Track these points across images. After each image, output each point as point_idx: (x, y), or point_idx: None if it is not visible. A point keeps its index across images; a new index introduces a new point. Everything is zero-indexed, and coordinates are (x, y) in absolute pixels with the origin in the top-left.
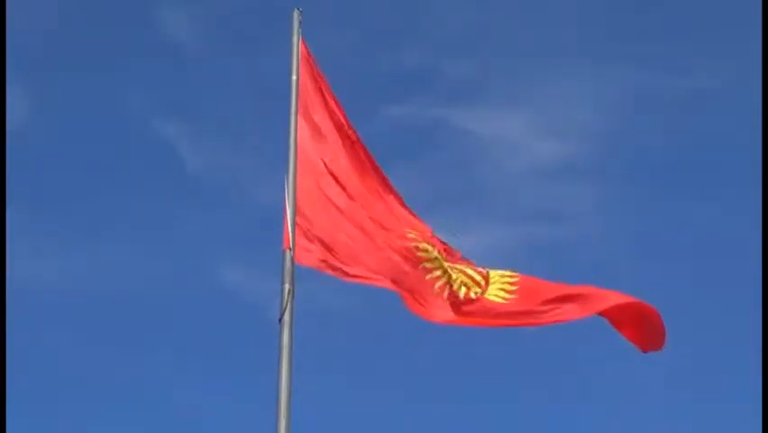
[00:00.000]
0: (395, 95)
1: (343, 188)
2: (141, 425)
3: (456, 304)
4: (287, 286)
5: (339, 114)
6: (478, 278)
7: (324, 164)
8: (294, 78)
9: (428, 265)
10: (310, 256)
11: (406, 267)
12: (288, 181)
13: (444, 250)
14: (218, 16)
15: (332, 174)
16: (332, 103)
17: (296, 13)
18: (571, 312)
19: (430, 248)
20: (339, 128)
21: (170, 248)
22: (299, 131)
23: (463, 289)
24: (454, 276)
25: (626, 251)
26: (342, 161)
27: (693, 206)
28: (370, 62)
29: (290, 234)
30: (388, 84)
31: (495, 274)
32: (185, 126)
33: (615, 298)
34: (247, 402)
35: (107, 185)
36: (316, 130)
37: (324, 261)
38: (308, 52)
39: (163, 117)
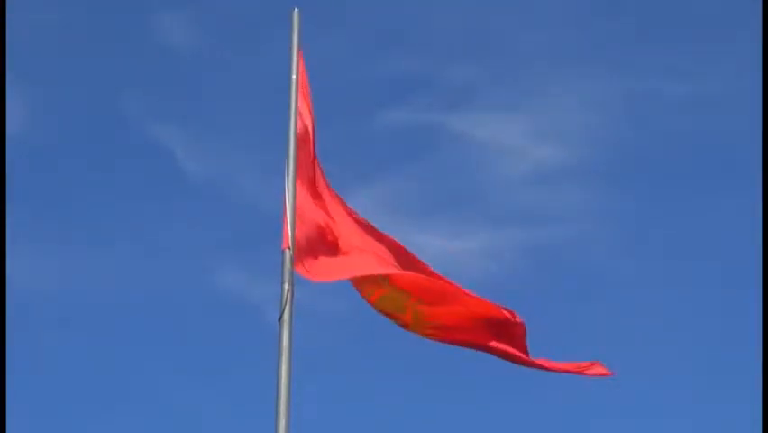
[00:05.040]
0: (393, 98)
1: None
2: (141, 425)
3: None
4: (286, 285)
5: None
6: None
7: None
8: (294, 77)
9: None
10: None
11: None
12: (287, 181)
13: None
14: (216, 18)
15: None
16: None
17: (295, 13)
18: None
19: None
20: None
21: (169, 250)
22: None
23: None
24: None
25: (625, 253)
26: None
27: (692, 209)
28: (369, 66)
29: (290, 234)
30: (386, 88)
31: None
32: (182, 129)
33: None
34: (247, 402)
35: (105, 188)
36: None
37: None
38: (305, 68)
39: (161, 120)
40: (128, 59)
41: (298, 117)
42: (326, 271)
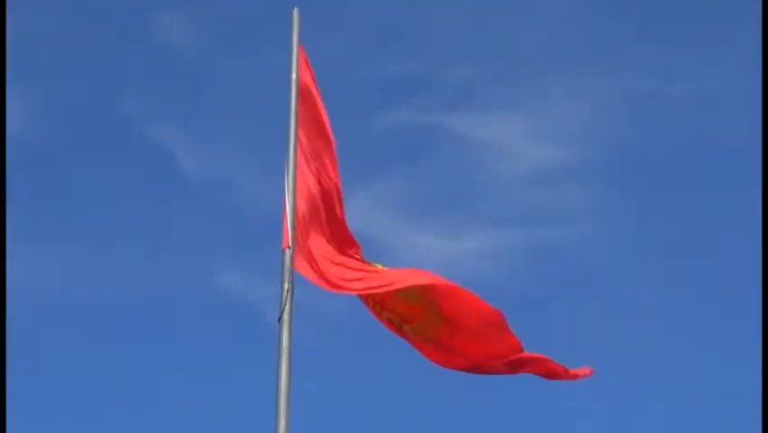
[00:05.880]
0: (393, 99)
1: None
2: (141, 425)
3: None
4: (286, 285)
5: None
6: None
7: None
8: (293, 76)
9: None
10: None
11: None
12: (287, 181)
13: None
14: (216, 18)
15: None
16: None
17: (295, 12)
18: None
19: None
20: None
21: (169, 251)
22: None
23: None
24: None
25: (625, 253)
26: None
27: (692, 209)
28: (369, 66)
29: (289, 234)
30: (386, 88)
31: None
32: (182, 129)
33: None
34: (247, 402)
35: (105, 188)
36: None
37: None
38: (308, 62)
39: (161, 120)
40: (128, 59)
41: (311, 97)
42: (357, 282)
